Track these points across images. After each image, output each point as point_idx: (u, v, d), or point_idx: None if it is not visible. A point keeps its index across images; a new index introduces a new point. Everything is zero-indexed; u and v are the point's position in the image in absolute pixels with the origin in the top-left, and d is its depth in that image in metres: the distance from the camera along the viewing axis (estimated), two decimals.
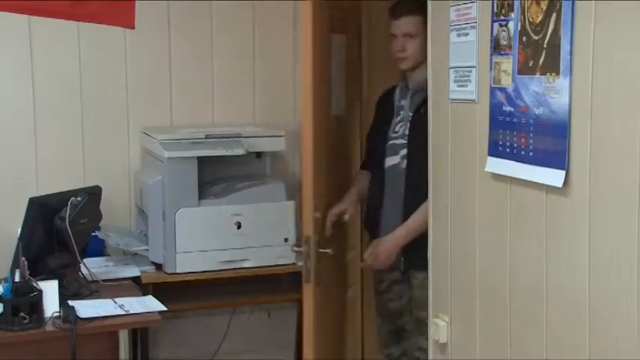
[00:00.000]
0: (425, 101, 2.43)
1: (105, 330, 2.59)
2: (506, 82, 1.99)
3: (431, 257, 2.34)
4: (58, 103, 3.35)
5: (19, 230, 2.76)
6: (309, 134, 2.44)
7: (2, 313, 2.46)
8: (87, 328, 2.50)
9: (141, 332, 3.07)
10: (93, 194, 2.88)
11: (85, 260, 2.84)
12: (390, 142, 2.79)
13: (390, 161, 2.78)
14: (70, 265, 2.77)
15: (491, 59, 2.05)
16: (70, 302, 2.58)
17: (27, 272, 2.49)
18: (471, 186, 2.13)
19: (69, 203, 2.73)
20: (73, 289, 2.72)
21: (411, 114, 2.74)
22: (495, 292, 2.07)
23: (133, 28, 3.17)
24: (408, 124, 2.74)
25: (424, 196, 2.41)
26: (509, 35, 1.96)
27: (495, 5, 2.02)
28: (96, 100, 3.40)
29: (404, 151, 2.73)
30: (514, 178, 1.97)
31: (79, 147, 3.37)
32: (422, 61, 2.58)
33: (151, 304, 2.70)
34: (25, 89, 3.29)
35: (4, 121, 3.28)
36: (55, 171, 3.32)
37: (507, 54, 1.98)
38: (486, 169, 2.05)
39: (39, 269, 2.66)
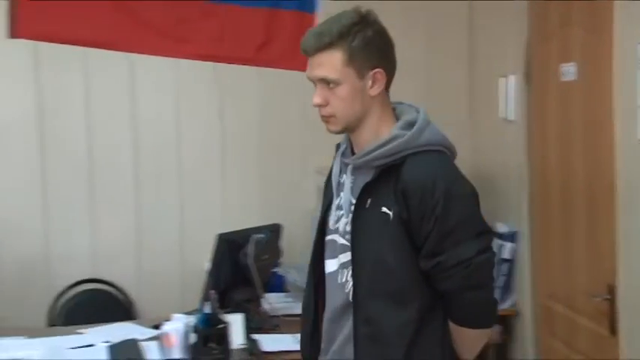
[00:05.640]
0: (372, 186, 1.69)
1: None
2: None
3: None
4: (243, 144, 3.58)
5: (207, 264, 2.95)
6: None
7: (195, 342, 2.58)
8: None
9: None
10: (274, 231, 3.02)
11: (266, 295, 2.96)
12: (329, 236, 1.83)
13: (330, 266, 1.82)
14: (253, 299, 2.89)
15: None
16: (253, 335, 2.68)
17: (216, 305, 2.63)
18: None
19: (252, 240, 2.89)
20: (256, 322, 2.82)
21: (353, 203, 1.73)
22: None
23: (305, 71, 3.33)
24: (350, 220, 1.74)
25: (387, 336, 1.68)
26: None
27: None
28: (276, 141, 3.60)
29: (345, 257, 1.75)
30: None
31: (262, 185, 3.59)
32: (361, 119, 1.71)
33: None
34: (213, 130, 3.55)
35: (195, 159, 3.55)
36: (239, 208, 3.54)
37: None
38: None
39: (225, 302, 2.78)
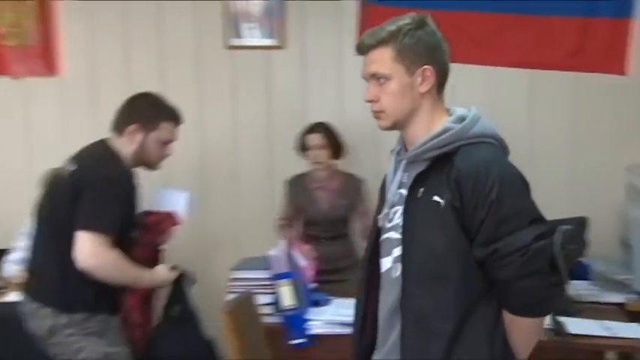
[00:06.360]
0: (425, 176, 1.68)
1: (593, 348, 2.70)
2: None
3: None
4: (553, 140, 3.78)
5: None
6: None
7: None
8: (577, 343, 2.64)
9: (627, 356, 3.16)
10: (580, 224, 3.14)
11: (571, 282, 3.03)
12: (384, 235, 1.79)
13: (384, 264, 1.78)
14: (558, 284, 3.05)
15: None
16: (559, 318, 2.77)
17: None
18: None
19: (559, 230, 3.03)
20: (561, 306, 2.84)
21: (405, 194, 1.72)
22: None
23: (624, 74, 3.36)
24: (401, 211, 1.73)
25: (442, 338, 1.63)
26: None
27: None
28: (586, 139, 3.72)
29: (398, 251, 1.72)
30: None
31: (571, 179, 3.74)
32: (410, 115, 1.72)
33: (638, 330, 2.71)
34: (523, 127, 3.78)
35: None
36: (547, 200, 3.69)
37: None
38: None
39: None
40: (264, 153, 4.00)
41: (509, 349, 1.68)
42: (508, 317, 1.66)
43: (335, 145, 3.59)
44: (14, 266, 3.41)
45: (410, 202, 1.70)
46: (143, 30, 3.96)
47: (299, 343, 2.79)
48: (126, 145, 2.63)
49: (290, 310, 2.84)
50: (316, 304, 2.99)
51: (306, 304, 2.92)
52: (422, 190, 1.68)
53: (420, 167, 1.69)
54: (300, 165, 3.70)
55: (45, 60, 3.97)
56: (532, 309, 1.65)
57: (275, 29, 3.89)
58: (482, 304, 1.65)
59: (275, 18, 3.88)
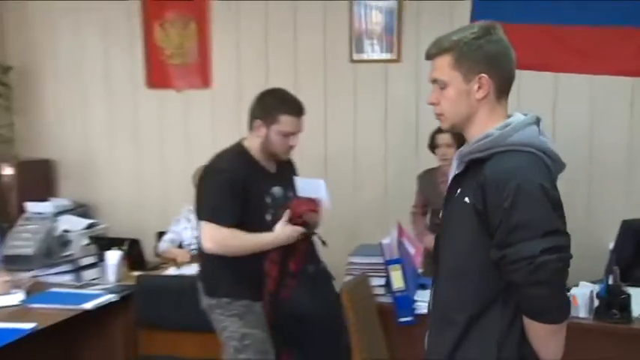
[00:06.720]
0: (462, 177, 1.73)
1: None
2: None
3: None
4: None
5: (611, 243, 3.23)
6: None
7: (598, 306, 2.83)
8: None
9: None
10: None
11: None
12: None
13: None
14: None
15: None
16: None
17: (618, 278, 2.82)
18: None
19: None
20: None
21: (444, 193, 1.82)
22: None
23: None
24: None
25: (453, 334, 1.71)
26: None
27: None
28: None
29: None
30: None
31: None
32: (467, 119, 1.75)
33: None
34: (624, 133, 3.87)
35: (605, 158, 3.89)
36: None
37: None
38: None
39: (627, 277, 2.96)
40: (379, 156, 4.33)
41: (524, 356, 1.68)
42: (526, 320, 1.68)
43: (462, 144, 3.74)
44: (167, 244, 4.04)
45: (449, 201, 1.77)
46: (280, 45, 4.42)
47: (406, 321, 2.97)
48: (254, 140, 2.76)
49: (399, 291, 3.00)
50: (422, 287, 3.13)
51: (413, 287, 3.06)
52: (459, 190, 1.73)
53: (460, 169, 1.74)
54: (412, 165, 4.00)
55: (201, 75, 4.60)
56: (541, 315, 1.64)
57: (392, 45, 4.22)
58: (498, 306, 1.67)
59: (393, 35, 4.20)
